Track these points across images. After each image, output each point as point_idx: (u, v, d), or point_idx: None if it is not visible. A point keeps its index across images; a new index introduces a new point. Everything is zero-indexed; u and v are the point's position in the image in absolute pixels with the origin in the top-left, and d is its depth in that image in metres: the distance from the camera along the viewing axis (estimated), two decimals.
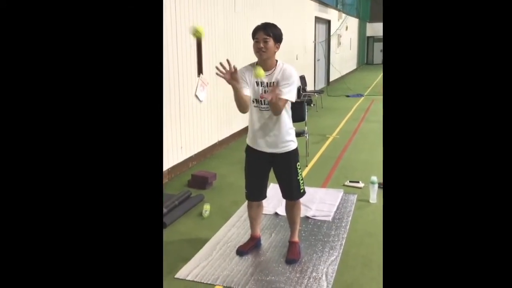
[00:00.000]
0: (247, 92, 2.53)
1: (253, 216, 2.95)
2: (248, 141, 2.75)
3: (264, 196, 2.88)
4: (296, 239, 2.92)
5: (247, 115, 2.69)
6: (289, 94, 2.51)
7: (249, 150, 2.76)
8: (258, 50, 2.49)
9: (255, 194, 2.84)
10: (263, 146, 2.66)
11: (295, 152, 2.71)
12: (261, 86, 2.54)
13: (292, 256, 2.81)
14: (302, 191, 2.78)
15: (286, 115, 2.61)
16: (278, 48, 2.54)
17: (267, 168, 2.78)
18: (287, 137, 2.64)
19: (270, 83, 2.53)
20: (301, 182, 2.76)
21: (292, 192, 2.76)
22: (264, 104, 2.55)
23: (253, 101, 2.59)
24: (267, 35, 2.47)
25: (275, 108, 2.45)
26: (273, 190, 3.62)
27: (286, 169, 2.72)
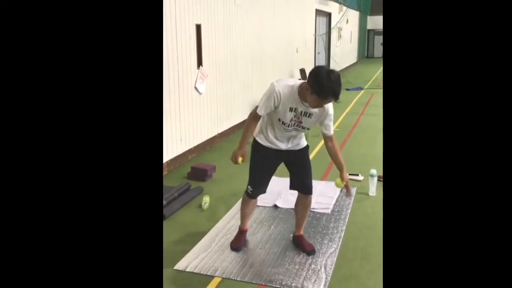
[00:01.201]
0: (263, 114, 2.45)
1: (248, 213, 2.92)
2: (261, 141, 2.64)
3: (265, 191, 2.86)
4: (302, 232, 2.96)
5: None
6: (332, 127, 2.61)
7: (261, 148, 2.65)
8: (316, 107, 2.32)
9: (261, 191, 2.80)
10: (277, 146, 2.63)
11: (307, 148, 2.76)
12: (294, 112, 2.41)
13: (310, 247, 2.84)
14: None
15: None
16: None
17: (277, 165, 2.76)
18: (300, 140, 2.70)
19: (304, 112, 2.41)
20: None
21: (310, 184, 2.77)
22: (289, 126, 2.49)
23: (279, 120, 2.46)
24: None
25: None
26: (272, 182, 3.61)
27: (305, 162, 2.74)
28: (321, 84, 2.16)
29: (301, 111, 2.41)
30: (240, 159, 2.57)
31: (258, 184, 2.75)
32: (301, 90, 2.35)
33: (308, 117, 2.44)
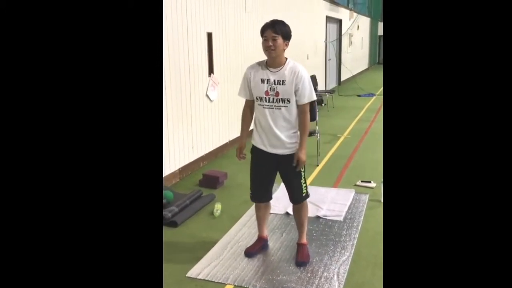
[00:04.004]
0: (249, 96, 2.65)
1: (261, 217, 2.93)
2: (253, 141, 2.73)
3: (269, 198, 2.86)
4: (304, 241, 2.90)
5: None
6: (310, 95, 2.58)
7: (254, 150, 2.74)
8: (267, 48, 2.50)
9: (259, 195, 2.82)
10: (266, 145, 2.64)
11: None
12: (267, 83, 2.55)
13: (301, 258, 2.80)
14: (304, 194, 2.75)
15: (292, 116, 2.59)
16: (287, 45, 2.55)
17: (272, 169, 2.74)
18: (291, 139, 2.61)
19: (277, 80, 2.53)
20: (304, 185, 2.73)
21: (294, 195, 2.76)
22: (268, 102, 2.56)
23: (257, 99, 2.59)
24: (275, 33, 2.48)
25: (306, 129, 2.63)
26: (283, 189, 3.61)
27: (289, 172, 2.68)
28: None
29: (274, 80, 2.54)
30: (239, 151, 2.76)
31: (254, 186, 2.80)
32: (266, 60, 2.60)
33: (282, 84, 2.53)
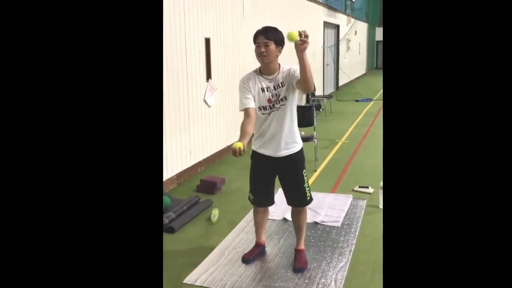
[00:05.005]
0: (253, 104, 2.51)
1: (259, 222, 2.92)
2: (253, 146, 2.73)
3: (272, 202, 2.85)
4: (302, 247, 2.89)
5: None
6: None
7: (254, 155, 2.73)
8: (259, 55, 2.48)
9: (261, 199, 2.81)
10: (267, 149, 2.63)
11: (300, 153, 2.67)
12: (268, 91, 2.52)
13: (299, 264, 2.79)
14: (309, 198, 2.74)
15: (290, 117, 2.59)
16: (280, 51, 2.52)
17: (273, 173, 2.74)
18: (290, 139, 2.62)
19: (276, 86, 2.52)
20: (307, 189, 2.73)
21: (299, 198, 2.73)
22: (271, 108, 2.54)
23: (259, 108, 2.55)
24: (267, 39, 2.46)
25: (307, 72, 2.28)
26: (281, 195, 3.61)
27: (291, 173, 2.68)
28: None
29: (273, 86, 2.52)
30: (237, 144, 2.20)
31: (254, 190, 2.79)
32: (259, 67, 2.58)
33: (282, 86, 2.52)
